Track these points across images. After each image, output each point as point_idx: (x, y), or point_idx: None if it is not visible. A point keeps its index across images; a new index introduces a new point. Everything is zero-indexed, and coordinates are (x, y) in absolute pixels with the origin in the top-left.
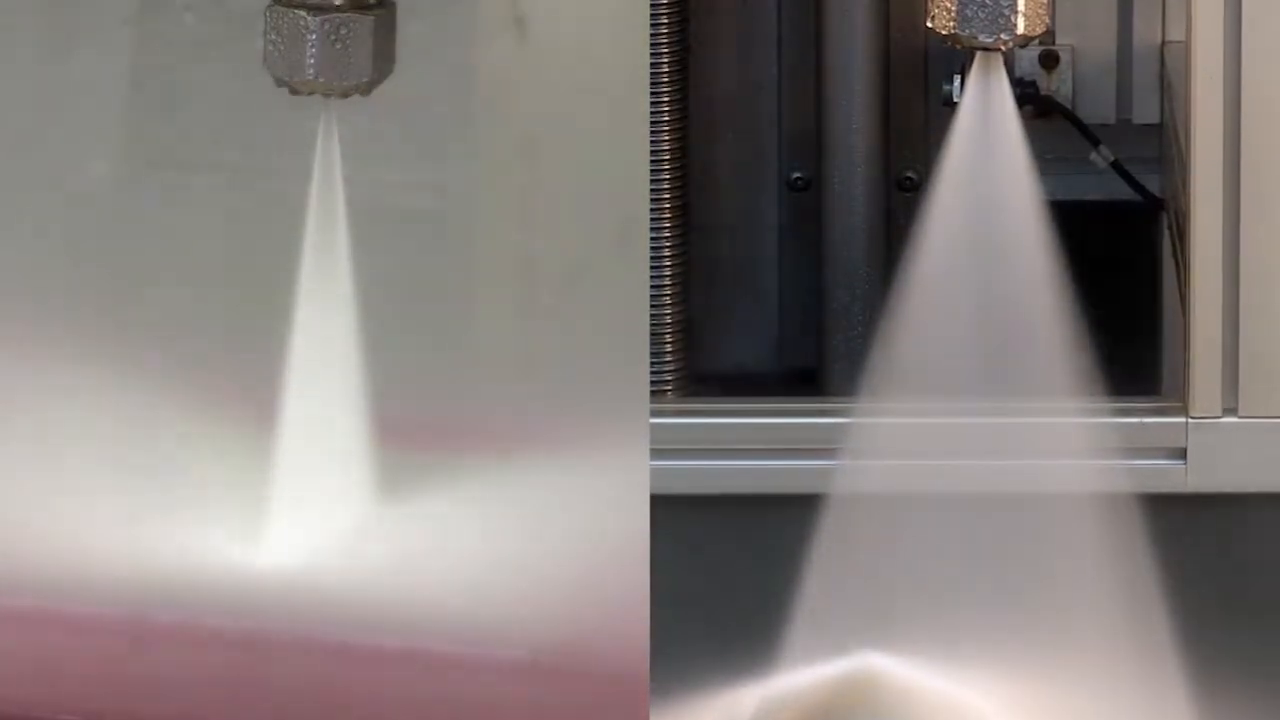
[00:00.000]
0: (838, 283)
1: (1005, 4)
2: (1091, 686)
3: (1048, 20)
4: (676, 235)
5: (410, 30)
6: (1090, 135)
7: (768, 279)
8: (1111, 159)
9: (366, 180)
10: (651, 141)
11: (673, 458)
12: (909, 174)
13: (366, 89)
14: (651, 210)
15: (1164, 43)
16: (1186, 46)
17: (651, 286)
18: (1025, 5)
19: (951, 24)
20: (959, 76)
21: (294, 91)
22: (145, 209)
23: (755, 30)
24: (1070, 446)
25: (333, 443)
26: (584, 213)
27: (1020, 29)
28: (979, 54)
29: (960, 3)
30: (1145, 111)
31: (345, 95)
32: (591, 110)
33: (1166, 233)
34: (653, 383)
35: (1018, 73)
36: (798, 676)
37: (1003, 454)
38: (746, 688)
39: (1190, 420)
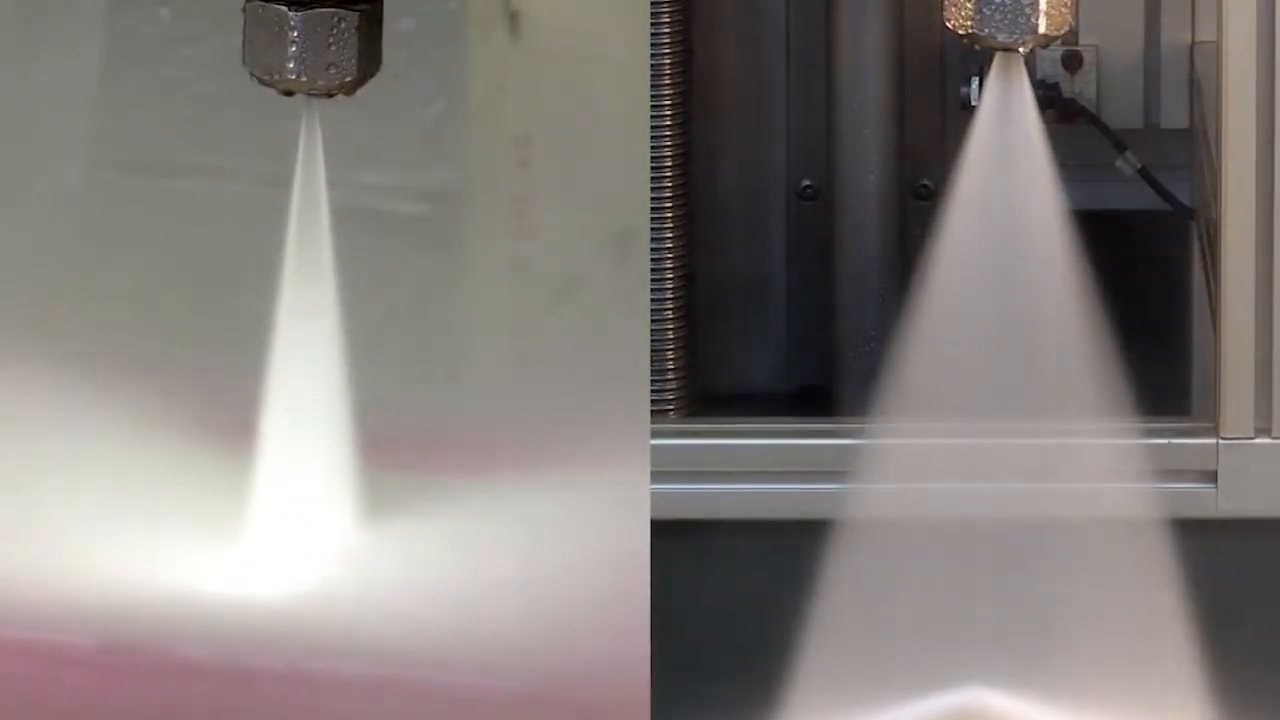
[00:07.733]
0: (849, 297)
1: (1026, 2)
2: (1120, 711)
3: (1071, 19)
4: (679, 246)
5: (398, 26)
6: (1116, 140)
7: (776, 293)
8: (1138, 165)
9: (351, 184)
10: (652, 146)
11: (675, 481)
12: (924, 182)
13: (351, 88)
14: (653, 219)
15: (1194, 43)
16: (1217, 47)
17: (653, 300)
18: (1047, 3)
19: (969, 23)
20: (977, 78)
21: (278, 91)
22: (120, 214)
23: (762, 29)
24: (1096, 469)
25: (317, 463)
26: (581, 222)
27: (1042, 28)
28: (998, 55)
29: (979, 0)
30: (1174, 116)
31: (329, 95)
32: (589, 112)
33: (1196, 243)
34: (654, 402)
35: (1039, 74)
36: (906, 712)
37: (1024, 477)
38: None
39: (1221, 441)
